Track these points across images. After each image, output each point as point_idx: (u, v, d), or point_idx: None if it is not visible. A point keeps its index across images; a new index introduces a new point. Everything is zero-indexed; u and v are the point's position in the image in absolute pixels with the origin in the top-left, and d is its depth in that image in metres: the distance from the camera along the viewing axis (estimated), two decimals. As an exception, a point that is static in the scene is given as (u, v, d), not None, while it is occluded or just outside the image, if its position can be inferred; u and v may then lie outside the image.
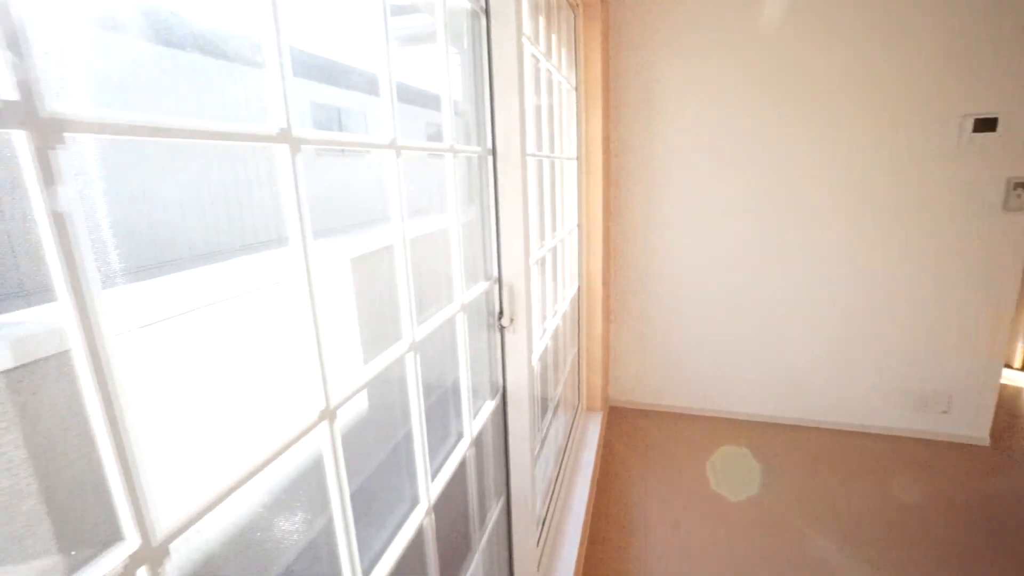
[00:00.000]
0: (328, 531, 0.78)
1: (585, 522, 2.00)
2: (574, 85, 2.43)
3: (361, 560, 0.79)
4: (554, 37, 2.05)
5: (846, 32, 2.43)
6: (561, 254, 2.23)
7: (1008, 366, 3.42)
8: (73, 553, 0.48)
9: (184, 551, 0.62)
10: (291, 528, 0.94)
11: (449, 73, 1.13)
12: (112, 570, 0.43)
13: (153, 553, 0.46)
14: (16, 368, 0.60)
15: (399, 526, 0.97)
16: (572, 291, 2.45)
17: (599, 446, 2.50)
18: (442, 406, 1.19)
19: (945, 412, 2.67)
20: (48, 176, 0.38)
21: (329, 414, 0.70)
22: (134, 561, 0.45)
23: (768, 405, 2.93)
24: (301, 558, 0.95)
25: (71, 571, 0.43)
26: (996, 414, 2.64)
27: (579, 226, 2.57)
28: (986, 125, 2.35)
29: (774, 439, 2.76)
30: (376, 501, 1.00)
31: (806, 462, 2.55)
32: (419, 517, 1.00)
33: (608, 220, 2.78)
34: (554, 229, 2.08)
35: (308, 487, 0.85)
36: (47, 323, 0.47)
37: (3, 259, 0.45)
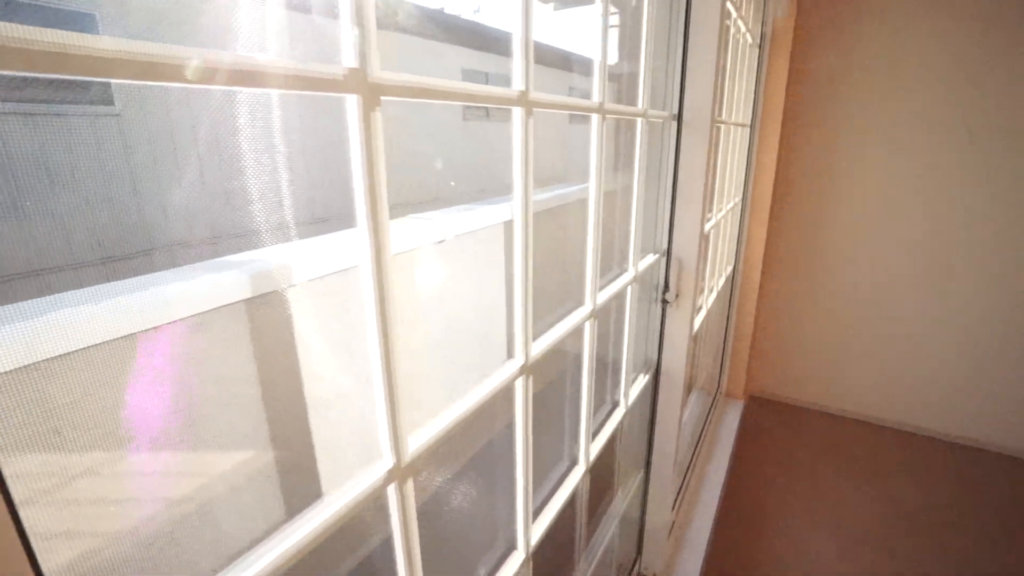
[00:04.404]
0: (508, 478, 0.84)
1: (717, 511, 1.93)
2: (757, 41, 2.18)
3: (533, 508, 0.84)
4: (746, -13, 1.84)
5: None
6: (723, 229, 2.07)
7: None
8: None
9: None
10: (477, 474, 1.03)
11: (649, 35, 1.07)
12: (375, 481, 0.50)
13: (403, 472, 0.53)
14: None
15: (559, 482, 1.02)
16: (728, 270, 2.29)
17: (736, 436, 2.36)
18: (602, 376, 1.19)
19: None
20: (368, 133, 0.43)
21: (527, 370, 0.74)
22: (388, 477, 0.51)
23: (928, 417, 2.52)
24: (482, 501, 1.04)
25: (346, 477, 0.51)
26: None
27: (743, 200, 2.36)
28: None
29: (933, 455, 2.38)
30: (542, 462, 1.05)
31: (962, 485, 2.17)
32: (577, 477, 1.04)
33: (776, 197, 2.51)
34: (720, 202, 1.93)
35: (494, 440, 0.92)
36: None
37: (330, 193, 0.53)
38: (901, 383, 2.58)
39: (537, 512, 0.94)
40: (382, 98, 0.44)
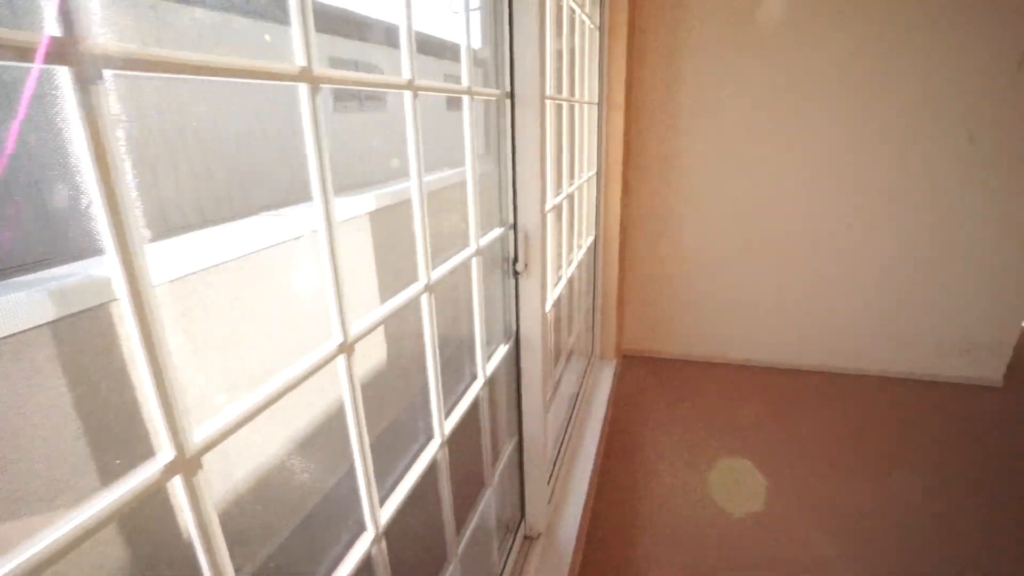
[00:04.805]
0: (347, 462, 0.84)
1: (595, 465, 2.09)
2: (597, 25, 2.32)
3: (379, 488, 0.86)
4: (579, -28, 1.95)
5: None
6: (579, 202, 2.21)
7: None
8: (117, 462, 0.54)
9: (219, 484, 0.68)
10: (315, 460, 1.01)
11: (467, 11, 1.10)
12: (151, 475, 0.48)
13: (188, 464, 0.51)
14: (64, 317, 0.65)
15: (414, 458, 1.04)
16: (589, 240, 2.45)
17: (611, 393, 2.57)
18: (458, 349, 1.23)
19: (968, 351, 2.72)
20: (90, 113, 0.40)
21: (347, 348, 0.74)
22: (170, 470, 0.49)
23: (787, 352, 2.98)
24: (321, 489, 1.03)
25: (117, 477, 0.49)
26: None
27: (598, 174, 2.53)
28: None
29: (792, 385, 2.81)
30: (393, 436, 1.06)
31: (822, 406, 2.60)
32: (432, 451, 1.07)
33: (628, 168, 2.72)
34: (572, 177, 2.06)
35: (331, 426, 0.92)
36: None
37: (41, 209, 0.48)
38: (762, 326, 2.99)
39: (392, 487, 0.96)
40: (106, 71, 0.41)
